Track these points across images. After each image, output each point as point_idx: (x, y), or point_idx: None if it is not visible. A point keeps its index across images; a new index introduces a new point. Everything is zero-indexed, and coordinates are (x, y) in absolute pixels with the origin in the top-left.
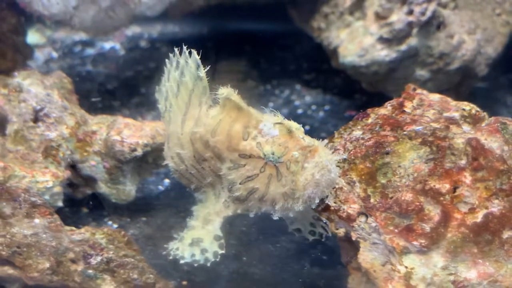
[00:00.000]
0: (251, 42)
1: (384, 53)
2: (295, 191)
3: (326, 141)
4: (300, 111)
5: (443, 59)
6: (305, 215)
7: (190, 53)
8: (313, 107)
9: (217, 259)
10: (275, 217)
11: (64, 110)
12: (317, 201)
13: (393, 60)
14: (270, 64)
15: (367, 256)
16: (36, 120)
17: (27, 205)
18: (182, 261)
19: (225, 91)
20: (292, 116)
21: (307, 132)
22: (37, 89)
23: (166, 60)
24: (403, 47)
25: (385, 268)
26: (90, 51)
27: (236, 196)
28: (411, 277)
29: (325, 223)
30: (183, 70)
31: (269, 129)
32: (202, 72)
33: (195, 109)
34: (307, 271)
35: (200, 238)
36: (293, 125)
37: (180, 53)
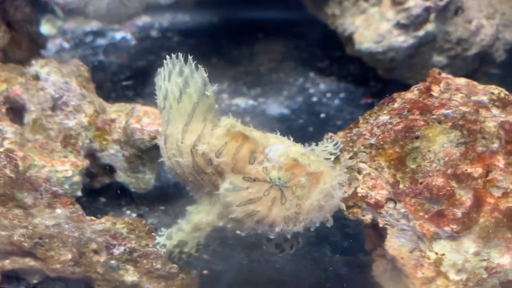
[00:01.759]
0: (264, 30)
1: (401, 39)
2: (299, 215)
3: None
4: (315, 99)
5: (461, 44)
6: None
7: (196, 66)
8: (328, 95)
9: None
10: (272, 236)
11: (83, 98)
12: (317, 224)
13: (410, 46)
14: (283, 52)
15: (394, 243)
16: (54, 108)
17: (48, 195)
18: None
19: (228, 122)
20: (307, 104)
21: (323, 120)
22: (55, 77)
23: (168, 57)
24: (421, 32)
25: (413, 255)
26: (101, 41)
27: (231, 217)
28: (441, 264)
29: (298, 242)
30: (188, 80)
31: (275, 156)
32: (210, 90)
33: (199, 123)
34: (328, 259)
35: (185, 242)
36: (299, 151)
37: (185, 59)
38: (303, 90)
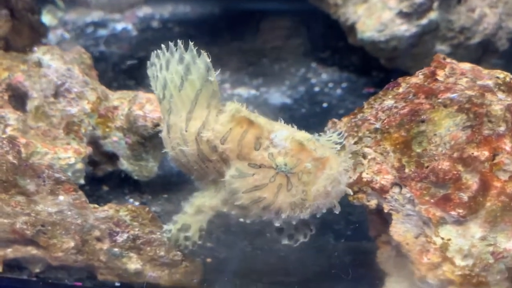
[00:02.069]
0: (265, 20)
1: (404, 28)
2: (305, 201)
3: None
4: (317, 89)
5: (464, 33)
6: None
7: (198, 51)
8: (330, 84)
9: (194, 248)
10: (277, 224)
11: (86, 85)
12: (324, 210)
13: (413, 35)
14: (284, 42)
15: (400, 229)
16: (57, 95)
17: (51, 182)
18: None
19: (233, 107)
20: (309, 94)
21: (325, 110)
22: (58, 64)
23: (163, 46)
24: (424, 21)
25: (418, 241)
26: (102, 32)
27: (237, 204)
28: (447, 249)
29: (311, 229)
30: (190, 67)
31: (280, 140)
32: (213, 76)
33: (203, 110)
34: (332, 246)
35: (188, 225)
36: (304, 136)
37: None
38: (305, 80)
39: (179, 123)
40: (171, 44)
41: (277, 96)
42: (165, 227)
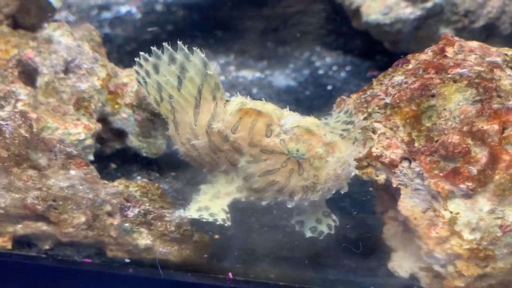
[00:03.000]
0: (270, 4)
1: (408, 11)
2: (316, 185)
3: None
4: (321, 71)
5: (468, 16)
6: (316, 209)
7: (190, 49)
8: (335, 67)
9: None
10: (289, 206)
11: (95, 62)
12: (333, 192)
13: (417, 18)
14: (289, 26)
15: (408, 203)
16: (67, 71)
17: (62, 156)
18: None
19: (238, 101)
20: (313, 77)
21: (329, 92)
22: (68, 40)
23: (141, 54)
24: (428, 4)
25: (426, 215)
26: (106, 14)
27: (253, 187)
28: (455, 223)
29: (334, 220)
30: (185, 65)
31: (289, 127)
32: (211, 69)
33: (209, 103)
34: (338, 224)
35: (207, 207)
36: (313, 122)
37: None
38: (309, 63)
39: (187, 119)
40: (154, 49)
41: (282, 78)
42: (176, 212)
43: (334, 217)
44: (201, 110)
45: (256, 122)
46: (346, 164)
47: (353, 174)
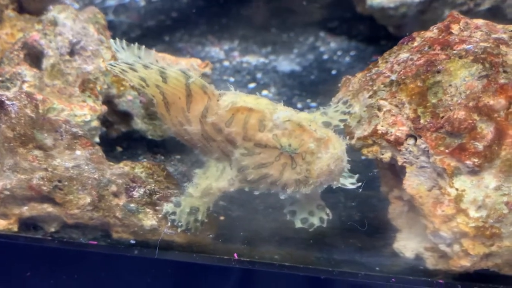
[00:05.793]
0: None
1: None
2: (309, 179)
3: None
4: (325, 56)
5: None
6: (310, 201)
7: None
8: (339, 52)
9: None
10: (282, 197)
11: (101, 44)
12: (325, 186)
13: (422, 1)
14: (293, 12)
15: (413, 182)
16: (72, 53)
17: (68, 136)
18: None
19: (229, 101)
20: (318, 61)
21: (334, 76)
22: (73, 22)
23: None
24: None
25: (431, 193)
26: (111, 2)
27: (247, 179)
28: (461, 200)
29: (327, 214)
30: (166, 78)
31: (281, 122)
32: (192, 80)
33: (201, 95)
34: (342, 205)
35: (197, 208)
36: (305, 118)
37: None
38: (313, 48)
39: (179, 103)
40: (126, 61)
41: (286, 63)
42: (165, 207)
43: (328, 211)
44: (193, 99)
45: (248, 118)
46: (340, 160)
47: (345, 169)
